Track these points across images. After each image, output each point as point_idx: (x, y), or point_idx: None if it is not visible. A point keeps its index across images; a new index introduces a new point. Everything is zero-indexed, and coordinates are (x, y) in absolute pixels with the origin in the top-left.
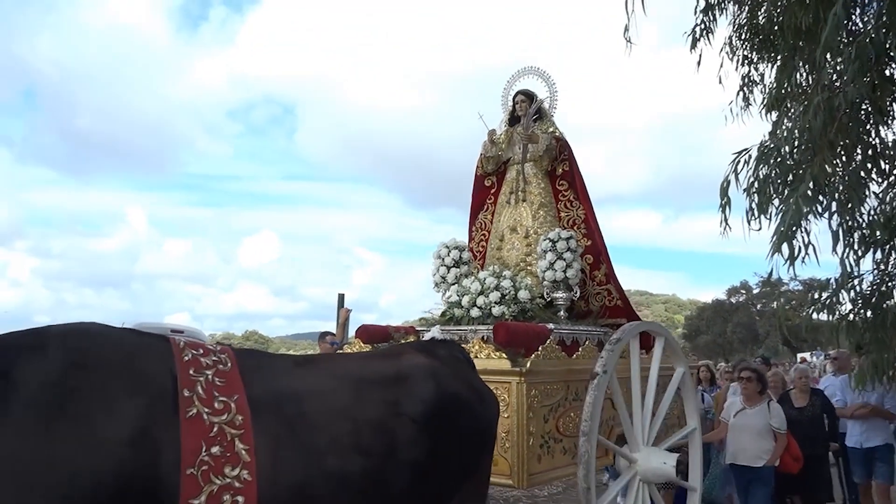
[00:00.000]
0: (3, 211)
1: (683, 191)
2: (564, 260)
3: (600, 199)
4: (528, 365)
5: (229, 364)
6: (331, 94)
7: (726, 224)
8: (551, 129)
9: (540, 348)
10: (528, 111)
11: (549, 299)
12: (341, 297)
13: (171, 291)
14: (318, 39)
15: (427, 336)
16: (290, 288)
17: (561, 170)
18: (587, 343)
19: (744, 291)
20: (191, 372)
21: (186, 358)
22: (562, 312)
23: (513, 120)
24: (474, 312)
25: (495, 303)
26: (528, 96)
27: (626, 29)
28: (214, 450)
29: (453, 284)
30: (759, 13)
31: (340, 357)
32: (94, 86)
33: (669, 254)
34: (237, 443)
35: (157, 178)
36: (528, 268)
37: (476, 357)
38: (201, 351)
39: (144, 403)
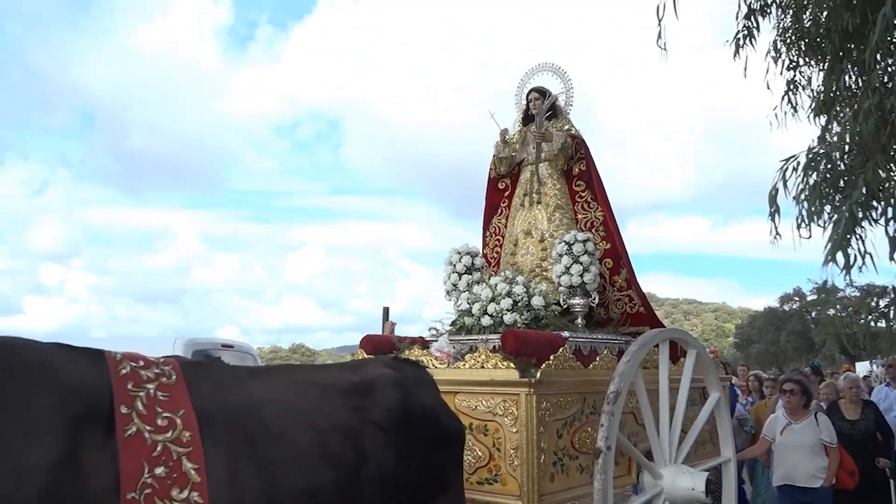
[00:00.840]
0: (61, 230)
1: (732, 196)
2: (581, 264)
3: (645, 206)
4: (539, 375)
5: (174, 377)
6: (375, 109)
7: (776, 233)
8: (567, 127)
9: (552, 357)
10: (541, 108)
11: (565, 306)
12: (386, 311)
13: (220, 305)
14: (362, 55)
15: (434, 346)
16: (336, 301)
17: (577, 169)
18: (606, 353)
19: (797, 299)
20: (129, 387)
21: (124, 371)
22: (579, 320)
23: (527, 119)
24: (485, 321)
25: (507, 310)
26: (543, 94)
27: (659, 35)
28: (159, 471)
29: (464, 292)
30: (805, 16)
31: (302, 367)
32: (146, 107)
33: (718, 260)
34: (185, 462)
35: (208, 194)
36: (544, 273)
37: (483, 367)
38: (142, 363)
39: (72, 423)
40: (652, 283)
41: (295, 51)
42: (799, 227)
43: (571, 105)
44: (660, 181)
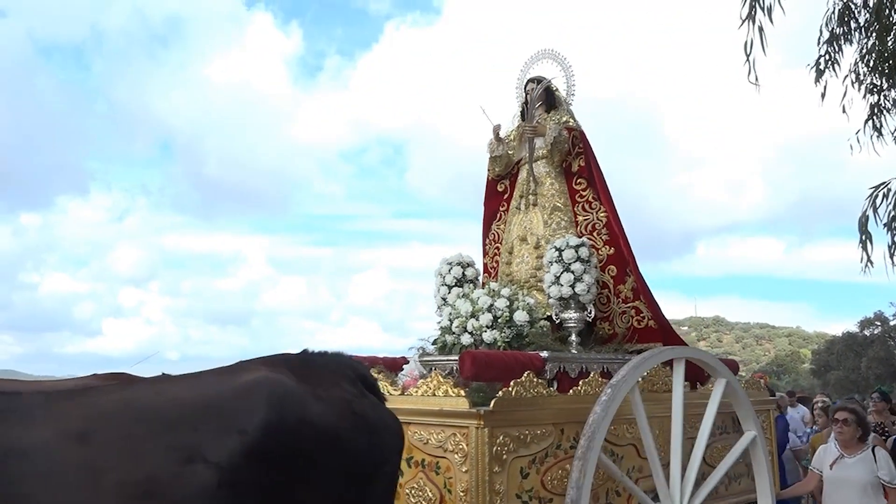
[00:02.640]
0: (139, 254)
1: (807, 217)
2: (573, 272)
3: (714, 227)
4: (492, 405)
5: None
6: (439, 133)
7: (868, 261)
8: (564, 119)
9: (512, 383)
10: (533, 98)
11: (558, 321)
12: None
13: (287, 327)
14: (427, 80)
15: (403, 372)
16: (399, 323)
17: (577, 166)
18: (593, 375)
19: (879, 323)
20: None
21: None
22: (573, 337)
23: (527, 113)
24: (465, 339)
25: (487, 327)
26: (541, 83)
27: (750, 71)
28: None
29: (448, 307)
30: (889, 38)
31: (139, 384)
32: (221, 136)
33: (792, 283)
34: None
35: (277, 219)
36: (539, 284)
37: (433, 395)
38: None
39: None
40: (721, 306)
41: (362, 79)
42: (892, 255)
43: (573, 94)
44: (730, 202)
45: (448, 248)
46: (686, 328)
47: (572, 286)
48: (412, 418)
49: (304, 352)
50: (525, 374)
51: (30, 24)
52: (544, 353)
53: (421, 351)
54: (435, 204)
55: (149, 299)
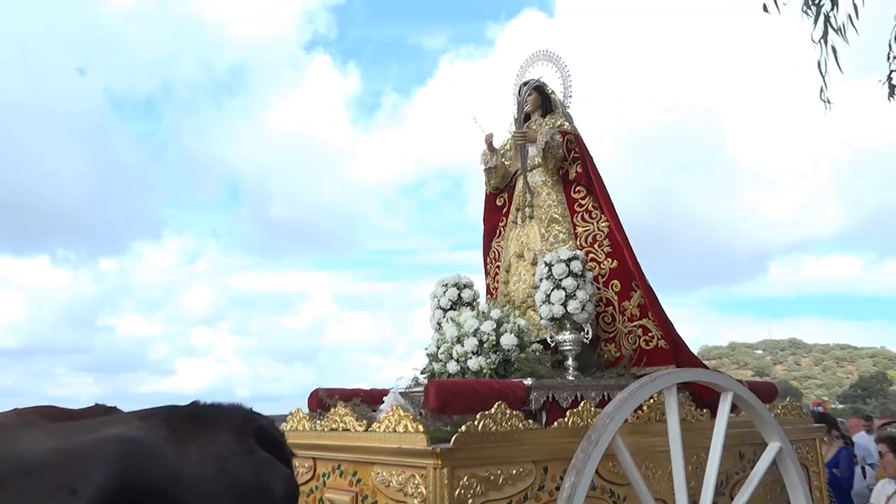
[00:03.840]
0: (210, 295)
1: (885, 232)
2: (564, 289)
3: (786, 246)
4: (452, 442)
5: None
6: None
7: None
8: (559, 122)
9: (479, 416)
10: (520, 102)
11: (553, 343)
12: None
13: (353, 362)
14: (483, 112)
15: (382, 405)
16: None
17: (574, 172)
18: (584, 405)
19: None
20: None
21: None
22: (569, 361)
23: (525, 120)
24: (451, 367)
25: (472, 353)
26: (536, 88)
27: (822, 90)
28: None
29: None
30: None
31: (14, 430)
32: (285, 178)
33: (873, 301)
34: None
35: (341, 256)
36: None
37: (394, 431)
38: None
39: None
40: (797, 327)
41: (418, 114)
42: None
43: (571, 96)
44: (802, 219)
45: None
46: (760, 351)
47: (564, 304)
48: (374, 457)
49: (194, 403)
50: (496, 405)
51: (106, 81)
52: (528, 381)
53: (414, 381)
54: None
55: (219, 339)
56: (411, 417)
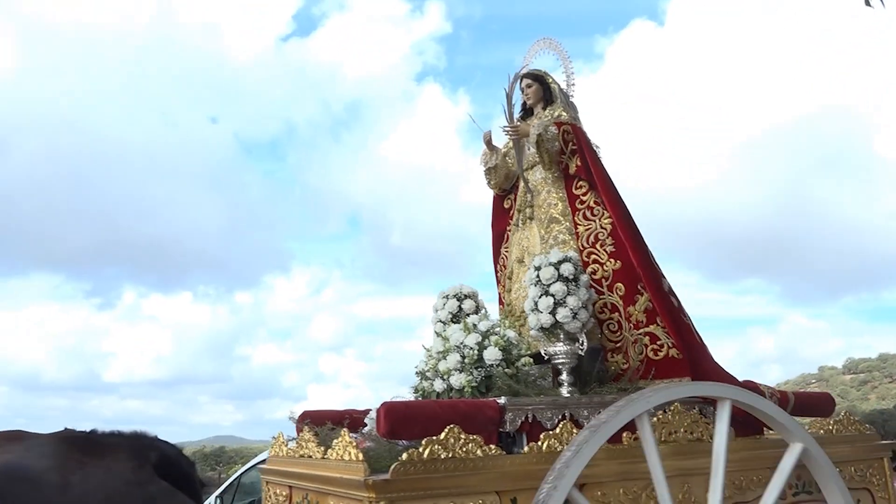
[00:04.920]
0: (335, 323)
1: None
2: (552, 296)
3: None
4: (390, 472)
5: None
6: (617, 180)
7: None
8: (556, 113)
9: (424, 441)
10: (510, 91)
11: (546, 357)
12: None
13: None
14: (594, 129)
15: (365, 428)
16: None
17: (574, 167)
18: (563, 425)
19: None
20: None
21: None
22: (563, 376)
23: (527, 114)
24: (437, 385)
25: (455, 369)
26: (537, 78)
27: None
28: None
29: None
30: None
31: None
32: (402, 206)
33: None
34: None
35: (459, 279)
36: None
37: (341, 459)
38: None
39: None
40: None
41: None
42: None
43: (573, 85)
44: None
45: None
46: None
47: (553, 312)
48: (329, 487)
49: (93, 431)
50: (447, 429)
51: (235, 127)
52: (502, 400)
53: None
54: None
55: (346, 365)
56: (354, 444)
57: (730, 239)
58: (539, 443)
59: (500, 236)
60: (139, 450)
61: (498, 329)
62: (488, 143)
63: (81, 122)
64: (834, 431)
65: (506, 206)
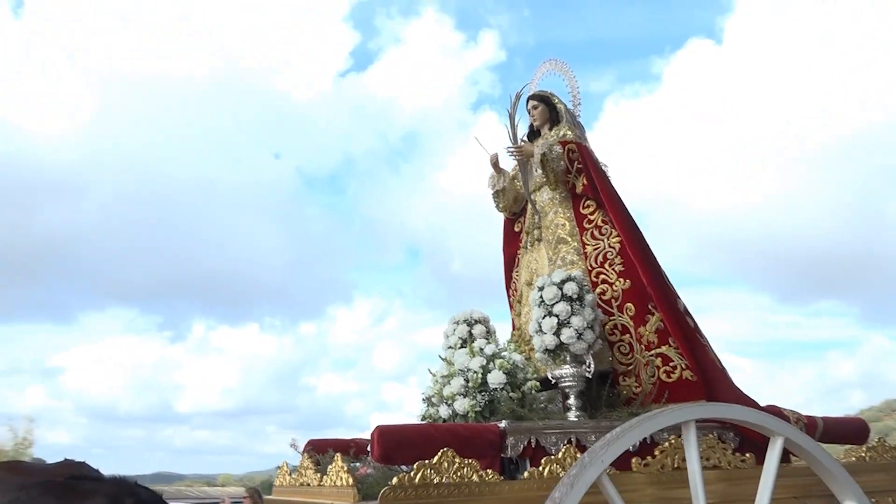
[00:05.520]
0: (399, 352)
1: None
2: (556, 316)
3: None
4: (379, 497)
5: None
6: (675, 200)
7: None
8: (562, 133)
9: (416, 465)
10: (512, 112)
11: (553, 380)
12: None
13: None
14: (653, 150)
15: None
16: None
17: (580, 186)
18: (566, 449)
19: None
20: None
21: None
22: (571, 399)
23: (533, 135)
24: (443, 410)
25: (459, 394)
26: (542, 99)
27: None
28: None
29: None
30: None
31: None
32: (461, 235)
33: None
34: None
35: None
36: None
37: (334, 484)
38: None
39: None
40: None
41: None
42: None
43: (580, 104)
44: None
45: (701, 318)
46: None
47: (557, 334)
48: None
49: (71, 478)
50: (441, 452)
51: (297, 162)
52: (502, 424)
53: None
54: (681, 273)
55: (409, 393)
56: (346, 469)
57: (799, 258)
58: (540, 468)
59: (511, 260)
60: (115, 497)
61: (505, 353)
62: (495, 165)
63: (153, 165)
64: (867, 459)
65: (516, 229)
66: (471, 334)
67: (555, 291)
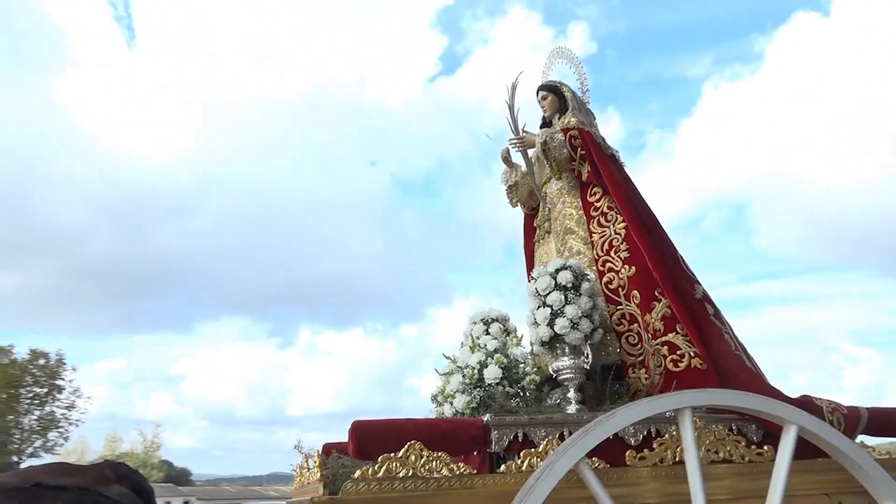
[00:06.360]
0: None
1: None
2: (549, 306)
3: None
4: (341, 491)
5: None
6: (785, 184)
7: None
8: (567, 121)
9: (381, 458)
10: (509, 102)
11: (555, 374)
12: None
13: None
14: (757, 133)
15: None
16: None
17: (585, 173)
18: (548, 441)
19: None
20: None
21: None
22: (571, 393)
23: (544, 126)
24: (447, 408)
25: (458, 391)
26: (552, 89)
27: None
28: None
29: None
30: None
31: None
32: None
33: None
34: None
35: None
36: None
37: (309, 483)
38: None
39: None
40: None
41: (687, 146)
42: None
43: (588, 90)
44: None
45: (817, 307)
46: None
47: (550, 325)
48: None
49: (35, 485)
50: (407, 445)
51: (393, 168)
52: (486, 417)
53: None
54: (790, 261)
55: None
56: (318, 464)
57: None
58: (520, 461)
59: (531, 256)
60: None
61: (509, 348)
62: (506, 160)
63: (256, 183)
64: None
65: (535, 224)
66: (487, 333)
67: (548, 281)
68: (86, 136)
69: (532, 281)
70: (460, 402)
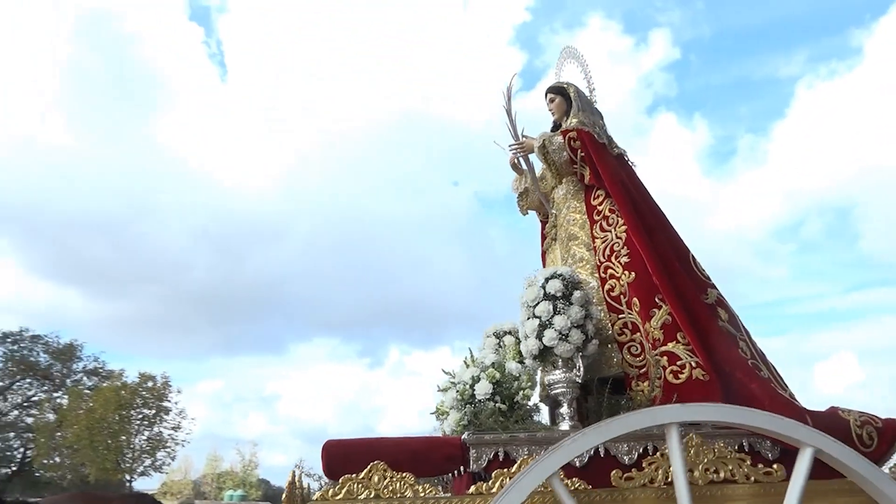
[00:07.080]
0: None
1: None
2: (538, 317)
3: None
4: None
5: None
6: (892, 185)
7: None
8: (570, 122)
9: (342, 479)
10: (508, 109)
11: (549, 389)
12: None
13: None
14: (859, 133)
15: None
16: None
17: (587, 175)
18: (522, 461)
19: None
20: None
21: None
22: (564, 408)
23: (555, 129)
24: (446, 425)
25: (452, 407)
26: (559, 91)
27: None
28: None
29: None
30: None
31: None
32: None
33: None
34: None
35: None
36: None
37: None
38: None
39: None
40: None
41: (781, 149)
42: None
43: (594, 89)
44: None
45: None
46: None
47: (539, 337)
48: None
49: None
50: (370, 466)
51: (476, 187)
52: (465, 435)
53: None
54: None
55: None
56: (288, 484)
57: None
58: (492, 481)
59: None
60: None
61: (506, 361)
62: (515, 167)
63: (346, 208)
64: None
65: (543, 232)
66: (500, 346)
67: (536, 291)
68: (185, 169)
69: (523, 293)
70: (452, 419)
